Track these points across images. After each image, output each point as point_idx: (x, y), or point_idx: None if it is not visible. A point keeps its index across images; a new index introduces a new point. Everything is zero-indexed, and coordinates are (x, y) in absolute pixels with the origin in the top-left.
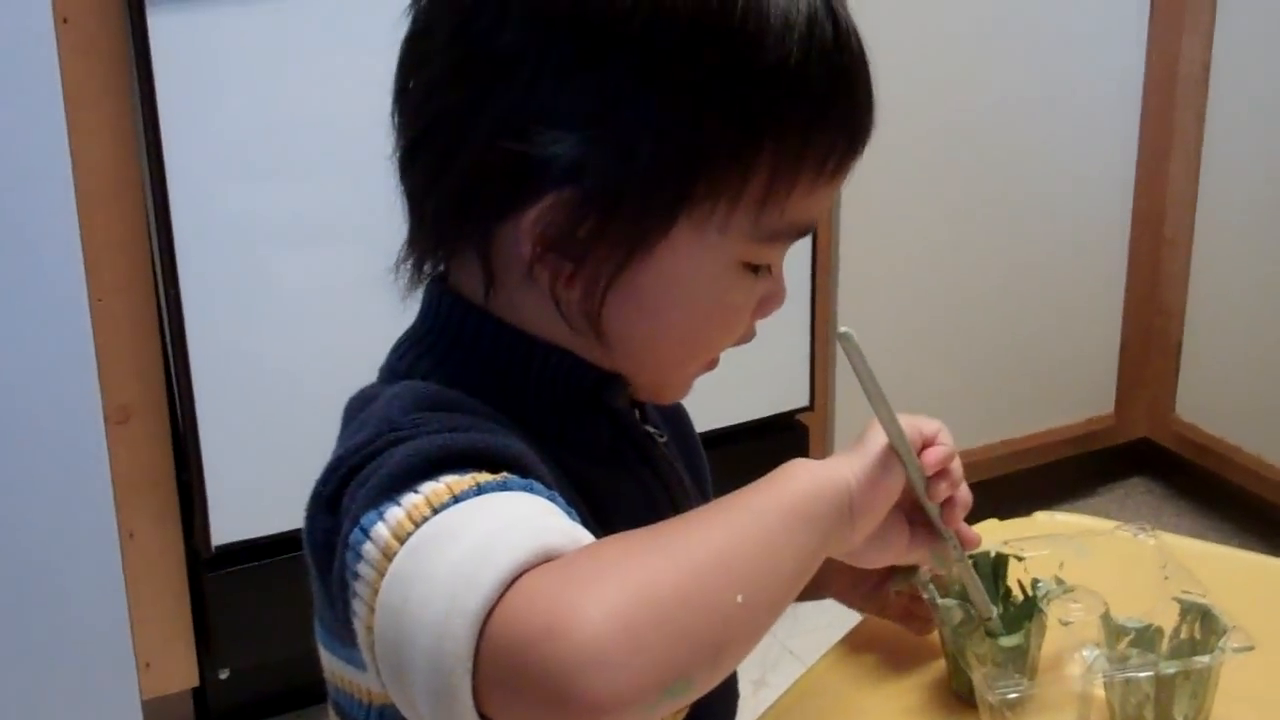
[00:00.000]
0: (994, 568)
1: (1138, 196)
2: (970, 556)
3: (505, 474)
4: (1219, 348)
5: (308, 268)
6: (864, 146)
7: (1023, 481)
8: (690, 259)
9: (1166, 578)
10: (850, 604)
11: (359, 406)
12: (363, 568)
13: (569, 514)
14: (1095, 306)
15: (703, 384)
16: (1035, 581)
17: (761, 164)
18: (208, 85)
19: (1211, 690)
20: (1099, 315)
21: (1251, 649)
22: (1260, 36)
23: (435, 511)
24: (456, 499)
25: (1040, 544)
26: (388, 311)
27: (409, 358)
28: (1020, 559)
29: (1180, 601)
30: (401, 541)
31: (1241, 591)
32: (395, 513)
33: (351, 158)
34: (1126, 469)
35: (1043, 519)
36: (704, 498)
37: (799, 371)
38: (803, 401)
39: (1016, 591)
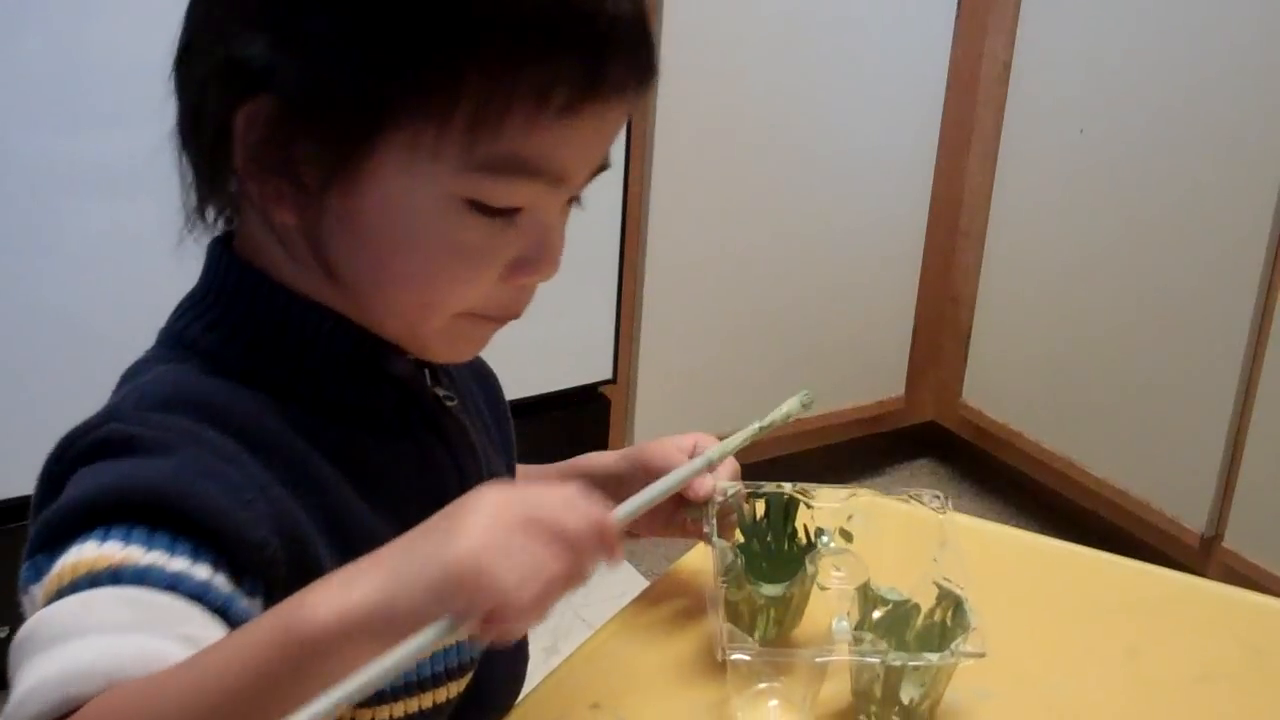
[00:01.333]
0: (785, 509)
1: (935, 189)
2: (763, 494)
3: (141, 552)
4: (1006, 338)
5: (107, 217)
6: (613, 91)
7: (815, 459)
8: (402, 186)
9: (935, 560)
10: (654, 534)
11: (128, 378)
12: (25, 600)
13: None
14: (890, 294)
15: (506, 352)
16: (820, 530)
17: (466, 87)
18: (4, 25)
19: (943, 681)
20: (893, 303)
21: (982, 655)
22: (1058, 39)
23: (50, 599)
24: (73, 585)
25: (833, 495)
26: (183, 268)
27: (185, 319)
28: (810, 505)
29: (939, 587)
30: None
31: (1014, 569)
32: (42, 580)
33: (155, 103)
34: (914, 450)
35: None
36: (508, 465)
37: (603, 344)
38: (606, 374)
39: (802, 535)
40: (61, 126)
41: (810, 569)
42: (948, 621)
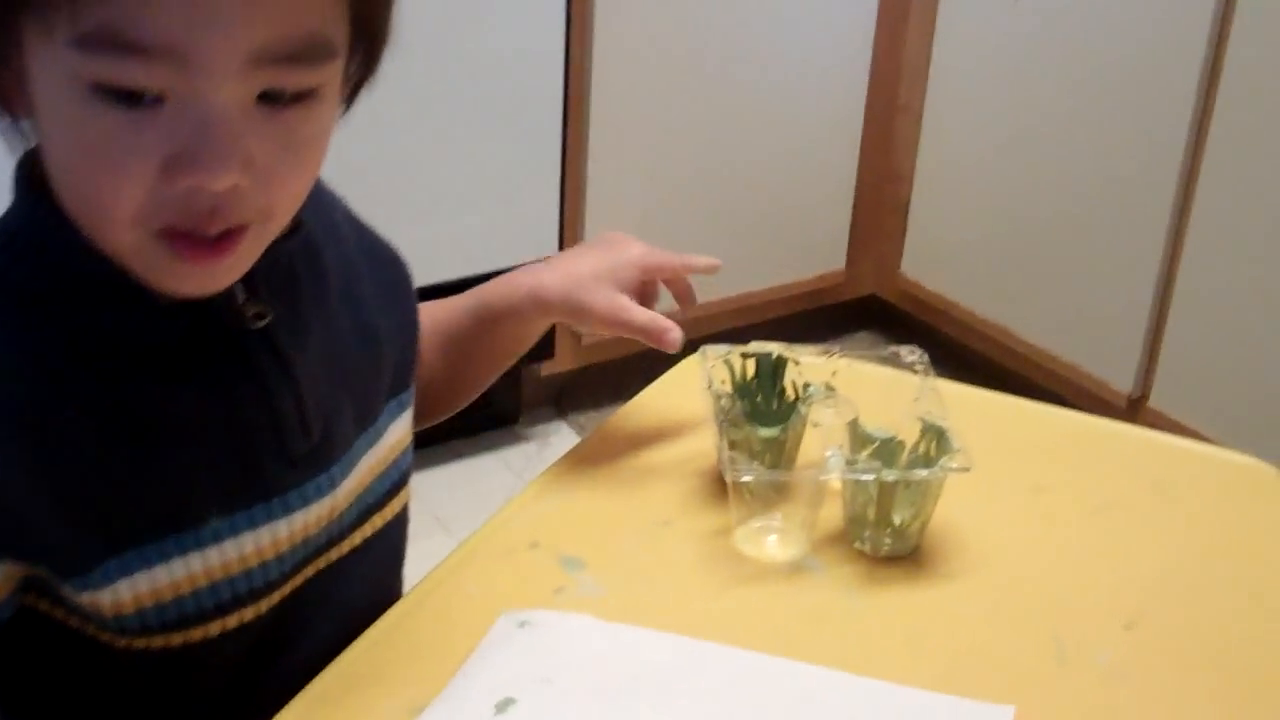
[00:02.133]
0: (774, 367)
1: (874, 64)
2: (753, 355)
3: None
4: (943, 211)
5: None
6: None
7: (758, 332)
8: (44, 78)
9: (916, 400)
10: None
11: None
12: None
13: None
14: (830, 170)
15: (451, 230)
16: (806, 385)
17: None
18: None
19: (931, 501)
20: (833, 178)
21: (968, 470)
22: None
23: None
24: None
25: (817, 353)
26: None
27: None
28: (797, 363)
29: (922, 421)
30: None
31: (973, 423)
32: None
33: None
34: (855, 323)
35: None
36: (399, 352)
37: (548, 221)
38: (551, 250)
39: (790, 391)
40: None
41: (803, 410)
42: (931, 451)
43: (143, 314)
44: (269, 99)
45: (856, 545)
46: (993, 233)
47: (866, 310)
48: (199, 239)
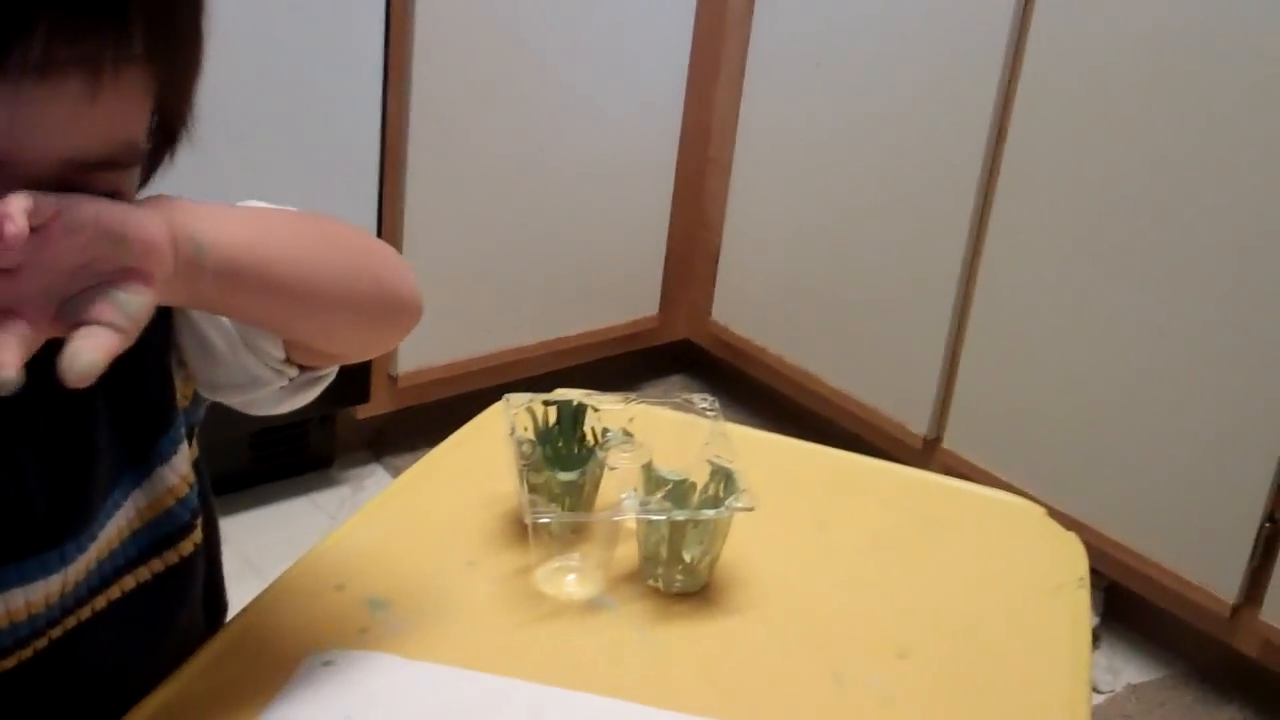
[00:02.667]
0: (574, 414)
1: (686, 119)
2: (554, 402)
3: None
4: (751, 259)
5: None
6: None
7: (574, 377)
8: None
9: (707, 444)
10: None
11: None
12: None
13: None
14: (644, 218)
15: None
16: (605, 430)
17: None
18: None
19: (719, 539)
20: (648, 226)
21: (752, 509)
22: None
23: None
24: None
25: (616, 400)
26: None
27: None
28: (597, 409)
29: (711, 464)
30: None
31: (762, 465)
32: None
33: None
34: (668, 367)
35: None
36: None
37: None
38: None
39: (589, 437)
40: None
41: (600, 455)
42: (720, 493)
43: None
44: (80, 169)
45: (650, 583)
46: (798, 281)
47: (680, 355)
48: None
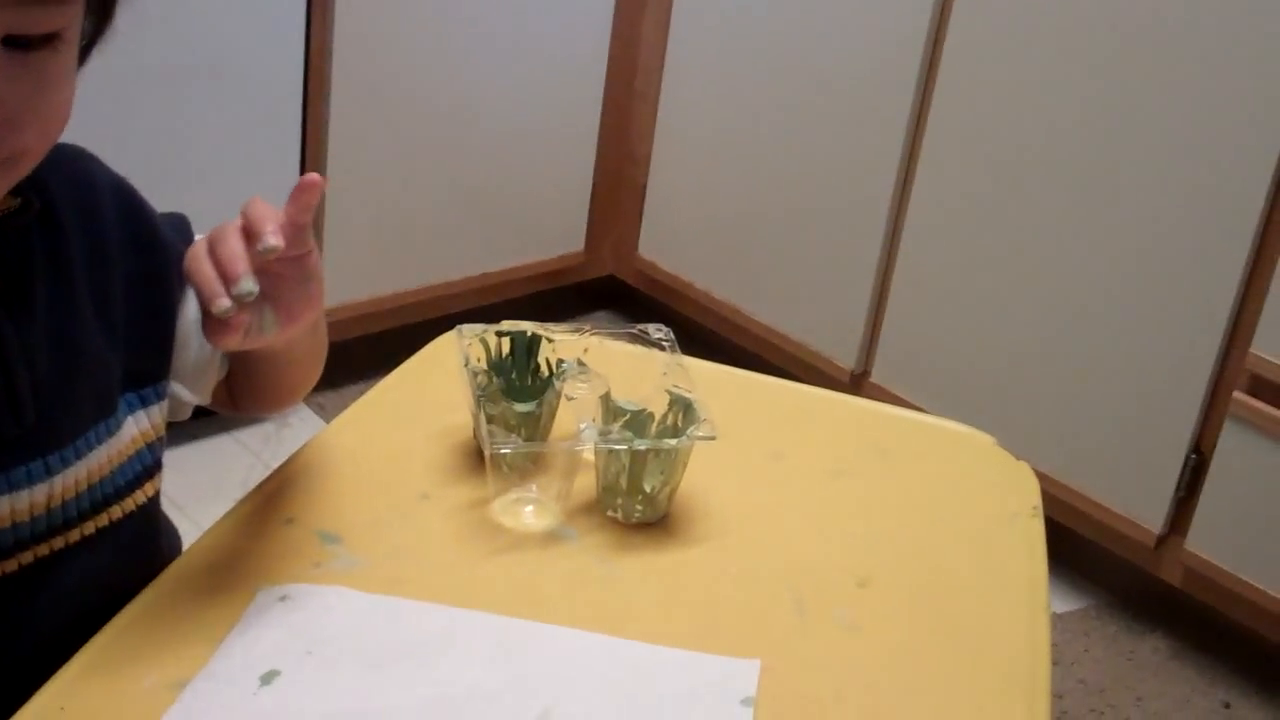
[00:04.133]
0: (528, 345)
1: (612, 52)
2: (507, 333)
3: None
4: (678, 194)
5: None
6: None
7: (500, 313)
8: None
9: (665, 373)
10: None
11: None
12: None
13: None
14: (570, 154)
15: (190, 205)
16: (560, 361)
17: None
18: None
19: (679, 469)
20: (573, 162)
21: (714, 438)
22: None
23: None
24: None
25: (569, 331)
26: None
27: None
28: (551, 340)
29: (670, 394)
30: None
31: (716, 397)
32: None
33: None
34: (594, 303)
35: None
36: (147, 349)
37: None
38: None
39: (544, 368)
40: None
41: (557, 385)
42: (679, 422)
43: None
44: (15, 44)
45: (609, 514)
46: (725, 216)
47: (606, 291)
48: None
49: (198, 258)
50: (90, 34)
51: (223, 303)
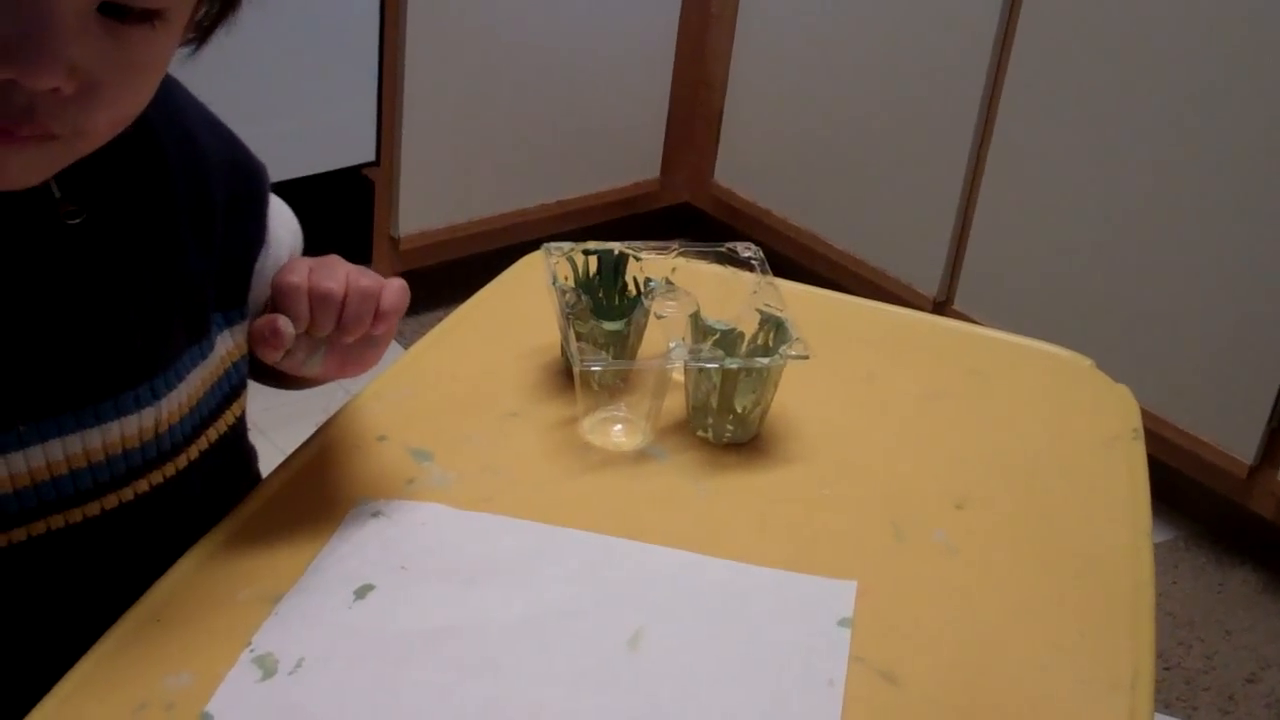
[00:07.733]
0: (616, 263)
1: None
2: (594, 252)
3: None
4: (755, 120)
5: None
6: None
7: (574, 239)
8: None
9: (755, 292)
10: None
11: None
12: None
13: None
14: (645, 79)
15: (265, 134)
16: (648, 280)
17: None
18: None
19: (771, 389)
20: (649, 86)
21: (807, 357)
22: None
23: None
24: None
25: (656, 250)
26: None
27: None
28: (638, 259)
29: (761, 313)
30: None
31: (807, 317)
32: None
33: None
34: (669, 230)
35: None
36: (238, 270)
37: (365, 125)
38: (369, 156)
39: (631, 287)
40: None
41: (646, 304)
42: (770, 342)
43: None
44: (112, 11)
45: (699, 433)
46: (804, 142)
47: (680, 218)
48: (3, 130)
49: (298, 288)
50: (214, 18)
51: (289, 335)
